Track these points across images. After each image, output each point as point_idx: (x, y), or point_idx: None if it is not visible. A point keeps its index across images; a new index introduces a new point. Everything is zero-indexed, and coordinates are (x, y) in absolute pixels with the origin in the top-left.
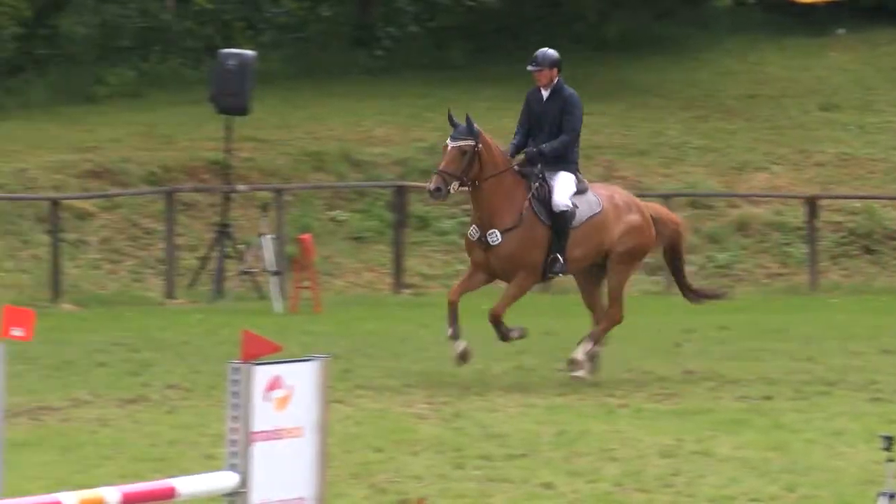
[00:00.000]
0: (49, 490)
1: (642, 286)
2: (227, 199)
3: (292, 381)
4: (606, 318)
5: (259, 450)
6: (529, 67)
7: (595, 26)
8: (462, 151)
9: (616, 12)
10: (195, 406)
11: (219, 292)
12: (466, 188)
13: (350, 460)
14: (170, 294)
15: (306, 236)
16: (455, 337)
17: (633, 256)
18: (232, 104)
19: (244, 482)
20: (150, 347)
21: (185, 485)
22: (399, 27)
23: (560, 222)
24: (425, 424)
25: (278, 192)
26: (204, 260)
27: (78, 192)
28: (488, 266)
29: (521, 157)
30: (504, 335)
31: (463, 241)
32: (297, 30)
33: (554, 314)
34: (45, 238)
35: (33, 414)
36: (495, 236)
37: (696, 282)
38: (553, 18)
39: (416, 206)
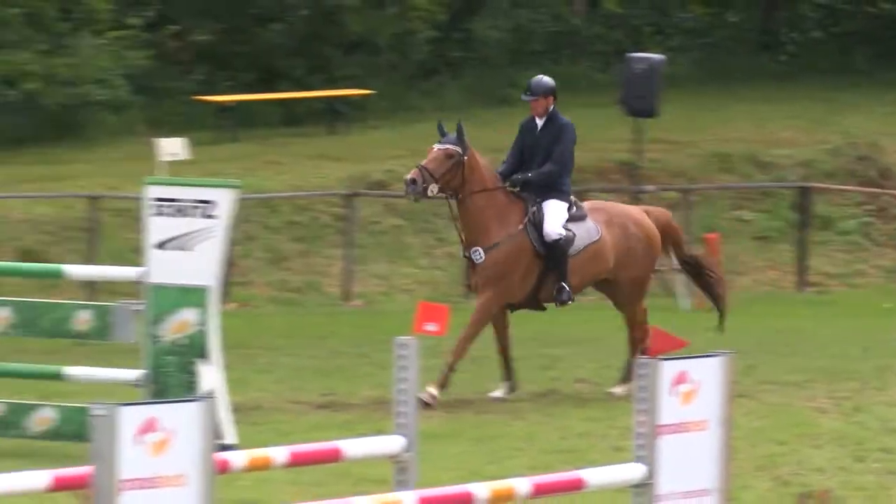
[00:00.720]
0: (462, 480)
1: None
2: (636, 199)
3: (698, 376)
4: (634, 343)
5: (665, 442)
6: (523, 97)
7: None
8: (448, 154)
9: None
10: (604, 400)
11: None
12: (446, 197)
13: (754, 453)
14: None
15: (713, 235)
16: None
17: (642, 281)
18: (641, 107)
19: (651, 474)
20: (560, 343)
21: (592, 476)
22: (802, 32)
23: (555, 251)
24: (826, 418)
25: (685, 192)
26: None
27: None
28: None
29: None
30: (444, 383)
31: (864, 242)
32: (705, 35)
33: None
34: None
35: (447, 407)
36: (478, 254)
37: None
38: None
39: (820, 207)
